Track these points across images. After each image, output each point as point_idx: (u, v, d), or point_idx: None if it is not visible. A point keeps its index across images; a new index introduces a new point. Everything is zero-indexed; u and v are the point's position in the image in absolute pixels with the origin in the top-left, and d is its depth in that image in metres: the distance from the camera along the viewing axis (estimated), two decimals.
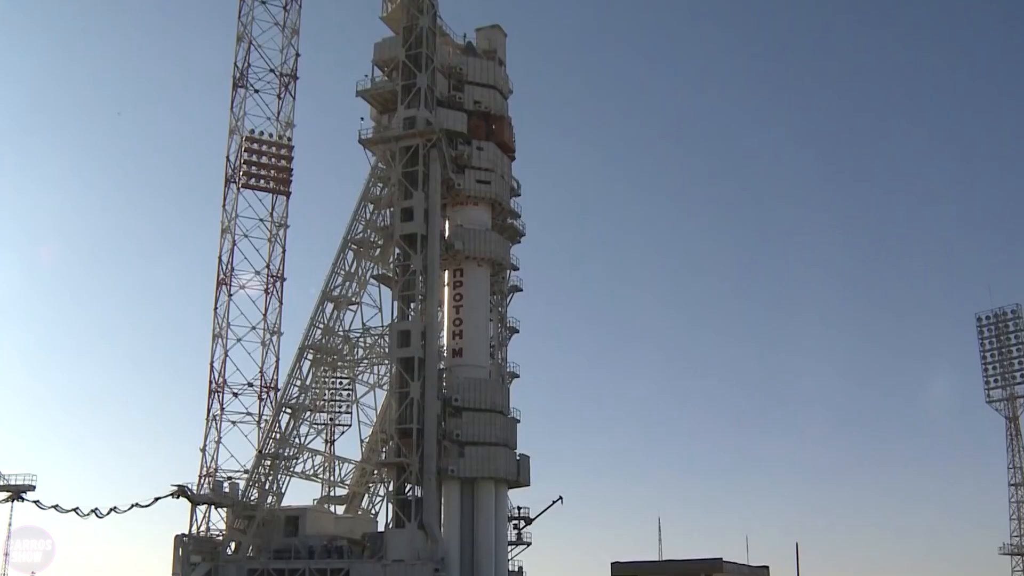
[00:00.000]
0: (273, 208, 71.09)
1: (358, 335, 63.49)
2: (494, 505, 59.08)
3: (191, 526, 60.14)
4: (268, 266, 70.19)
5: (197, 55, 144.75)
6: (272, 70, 72.33)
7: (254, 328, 68.67)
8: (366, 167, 63.34)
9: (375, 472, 65.22)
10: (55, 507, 56.17)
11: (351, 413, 70.78)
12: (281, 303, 70.00)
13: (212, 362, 67.79)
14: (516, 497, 63.29)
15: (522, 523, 63.63)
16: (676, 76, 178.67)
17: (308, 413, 62.23)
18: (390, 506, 57.05)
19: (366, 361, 65.80)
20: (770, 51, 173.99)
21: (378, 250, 63.09)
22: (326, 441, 71.44)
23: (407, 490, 56.12)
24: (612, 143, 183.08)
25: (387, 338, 60.28)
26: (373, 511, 66.88)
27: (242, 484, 59.62)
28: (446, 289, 62.56)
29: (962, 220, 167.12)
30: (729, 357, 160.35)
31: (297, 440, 60.56)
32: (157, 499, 56.45)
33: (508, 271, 65.97)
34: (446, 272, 62.64)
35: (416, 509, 55.49)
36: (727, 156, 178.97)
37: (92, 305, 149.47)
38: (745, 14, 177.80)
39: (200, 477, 64.27)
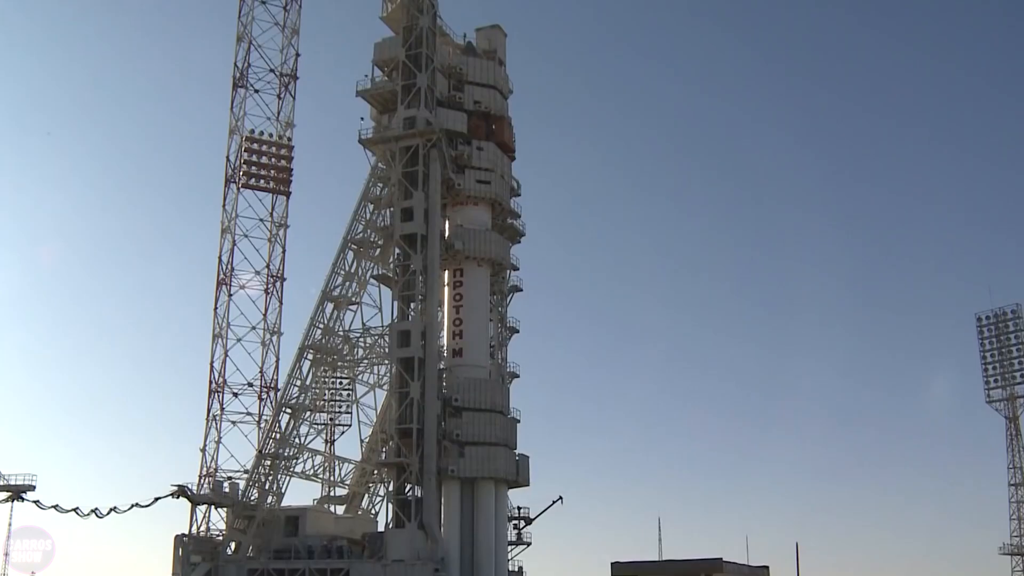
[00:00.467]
0: (273, 208, 71.21)
1: (358, 335, 63.52)
2: (494, 505, 59.08)
3: (191, 526, 60.22)
4: (268, 266, 70.24)
5: (197, 55, 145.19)
6: (272, 70, 72.38)
7: (254, 328, 68.77)
8: (366, 167, 63.49)
9: (375, 472, 65.22)
10: (55, 507, 56.23)
11: (351, 413, 70.96)
12: (281, 303, 70.15)
13: (212, 362, 67.93)
14: (516, 497, 63.46)
15: (522, 523, 63.64)
16: (676, 76, 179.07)
17: (308, 413, 62.23)
18: (390, 506, 57.08)
19: (366, 361, 65.80)
20: (770, 51, 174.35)
21: (378, 250, 63.09)
22: (326, 441, 71.51)
23: (407, 490, 56.12)
24: (612, 143, 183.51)
25: (387, 338, 60.27)
26: (373, 511, 66.96)
27: (242, 484, 59.66)
28: (446, 289, 62.55)
29: (962, 220, 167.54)
30: (729, 357, 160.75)
31: (297, 440, 60.56)
32: (157, 499, 56.56)
33: (508, 271, 65.95)
34: (446, 272, 62.63)
35: (416, 509, 55.49)
36: (727, 156, 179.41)
37: (92, 305, 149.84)
38: (745, 14, 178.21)
39: (200, 477, 64.29)
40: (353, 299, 62.15)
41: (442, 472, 56.99)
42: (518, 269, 66.76)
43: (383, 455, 60.66)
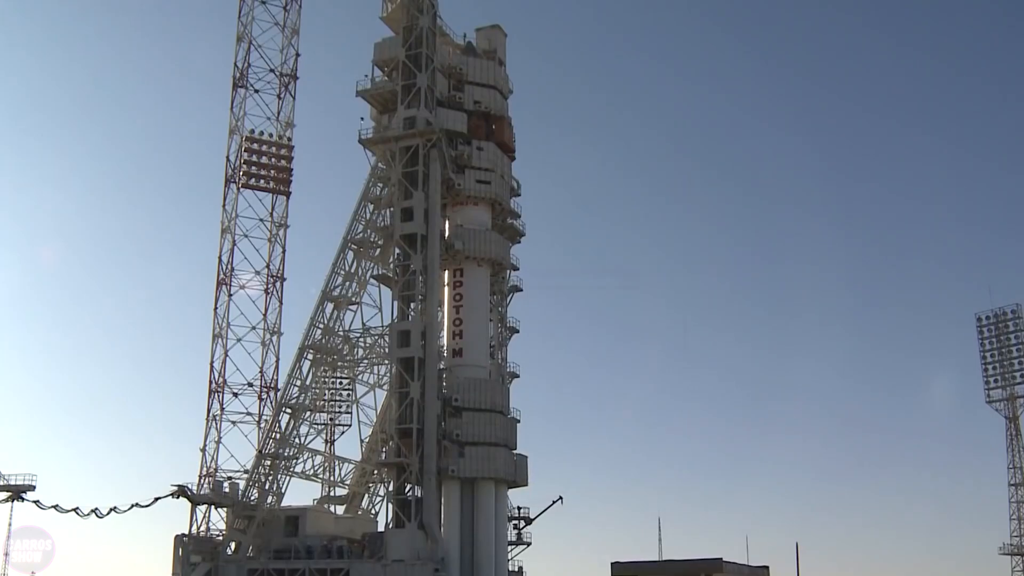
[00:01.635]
0: (273, 208, 71.22)
1: (358, 335, 63.53)
2: (494, 505, 59.08)
3: (191, 526, 60.24)
4: (268, 266, 70.24)
5: (197, 55, 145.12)
6: (272, 70, 72.39)
7: (254, 328, 68.77)
8: (366, 167, 63.50)
9: (375, 472, 65.23)
10: (55, 507, 56.24)
11: (351, 413, 71.01)
12: (281, 303, 70.14)
13: (212, 362, 67.93)
14: (516, 497, 63.46)
15: (522, 523, 63.65)
16: (677, 76, 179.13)
17: (308, 413, 62.25)
18: (390, 506, 57.08)
19: (366, 361, 65.83)
20: (771, 51, 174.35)
21: (378, 250, 63.11)
22: (326, 441, 71.55)
23: (407, 490, 56.12)
24: (612, 143, 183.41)
25: (387, 338, 60.28)
26: (373, 511, 66.99)
27: (242, 484, 59.69)
28: (446, 289, 62.54)
29: (962, 220, 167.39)
30: (729, 357, 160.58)
31: (297, 440, 60.58)
32: (157, 499, 56.58)
33: (508, 271, 65.95)
34: (446, 272, 62.62)
35: (416, 509, 55.49)
36: (728, 156, 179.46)
37: (92, 305, 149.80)
38: (746, 13, 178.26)
39: (200, 477, 64.29)
40: (353, 299, 62.17)
41: (442, 472, 56.98)
42: (518, 269, 66.83)
43: (383, 455, 60.66)
